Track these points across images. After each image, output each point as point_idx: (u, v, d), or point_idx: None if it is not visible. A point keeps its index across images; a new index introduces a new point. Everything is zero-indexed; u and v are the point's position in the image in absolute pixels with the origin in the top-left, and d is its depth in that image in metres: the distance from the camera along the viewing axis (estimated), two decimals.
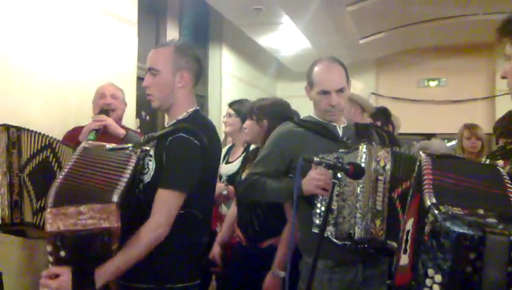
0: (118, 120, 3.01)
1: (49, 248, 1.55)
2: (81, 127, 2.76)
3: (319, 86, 2.11)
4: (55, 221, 1.51)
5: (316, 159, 1.64)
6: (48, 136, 2.03)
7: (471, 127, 3.97)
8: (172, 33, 5.17)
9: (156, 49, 1.92)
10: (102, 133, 2.77)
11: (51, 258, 1.56)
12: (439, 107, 7.75)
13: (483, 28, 6.21)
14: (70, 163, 1.65)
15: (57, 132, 2.82)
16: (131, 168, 1.66)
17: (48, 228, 1.51)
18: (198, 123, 1.85)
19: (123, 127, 3.10)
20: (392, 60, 7.85)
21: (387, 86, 7.96)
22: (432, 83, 8.01)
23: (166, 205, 1.71)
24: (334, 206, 1.91)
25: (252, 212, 2.50)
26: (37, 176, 1.95)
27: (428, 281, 1.08)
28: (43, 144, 2.00)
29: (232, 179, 2.99)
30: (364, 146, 1.92)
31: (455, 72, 7.69)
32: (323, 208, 1.94)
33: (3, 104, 2.68)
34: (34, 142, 1.98)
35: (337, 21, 5.71)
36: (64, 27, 3.28)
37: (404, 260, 1.24)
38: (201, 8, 5.67)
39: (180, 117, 1.88)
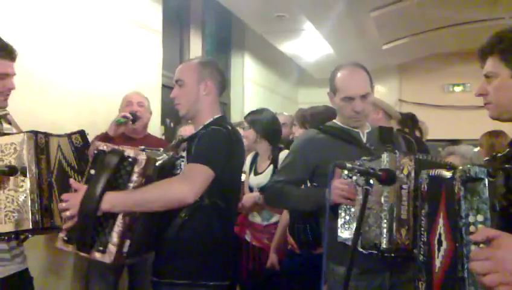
0: (143, 128, 3.06)
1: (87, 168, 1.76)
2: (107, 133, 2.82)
3: (342, 92, 2.07)
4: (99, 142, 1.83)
5: (348, 165, 1.62)
6: (56, 136, 2.06)
7: (496, 134, 3.88)
8: (195, 41, 5.22)
9: (182, 64, 2.10)
10: (123, 139, 2.82)
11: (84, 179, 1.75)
12: (464, 112, 7.63)
13: None
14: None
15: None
16: (165, 157, 1.82)
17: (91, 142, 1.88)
18: (224, 124, 1.95)
19: (148, 134, 3.15)
20: (415, 65, 7.77)
21: (411, 91, 7.87)
22: (457, 88, 7.90)
23: (193, 171, 1.76)
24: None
25: (305, 221, 2.50)
26: (60, 178, 1.98)
27: (472, 228, 1.14)
28: (57, 146, 2.04)
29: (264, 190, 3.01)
30: (387, 154, 1.88)
31: (480, 77, 7.53)
32: (347, 217, 1.92)
33: (35, 113, 2.74)
34: (54, 145, 2.01)
35: (360, 27, 5.69)
36: (91, 37, 3.34)
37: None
38: (223, 16, 5.71)
39: (206, 122, 1.97)
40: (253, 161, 3.13)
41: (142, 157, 1.71)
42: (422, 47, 6.94)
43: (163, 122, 4.39)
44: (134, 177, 1.70)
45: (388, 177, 1.66)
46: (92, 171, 1.73)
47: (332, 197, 1.91)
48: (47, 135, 1.96)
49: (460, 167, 1.20)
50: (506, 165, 1.17)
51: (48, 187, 1.89)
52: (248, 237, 3.05)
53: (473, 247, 1.11)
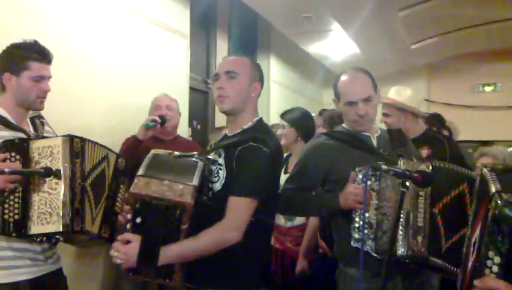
0: (173, 129, 3.09)
1: (129, 215, 1.73)
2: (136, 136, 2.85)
3: (345, 97, 2.09)
4: (139, 186, 1.71)
5: (384, 167, 1.61)
6: (106, 147, 2.09)
7: None
8: (221, 43, 5.25)
9: (233, 57, 1.97)
10: (153, 141, 2.84)
11: (128, 226, 1.72)
12: (495, 113, 7.46)
13: None
14: (145, 162, 1.80)
15: (116, 141, 2.91)
16: (201, 167, 1.76)
17: (132, 189, 1.71)
18: (264, 131, 1.88)
19: (178, 136, 3.18)
20: (444, 65, 7.63)
21: (440, 92, 7.74)
22: (487, 88, 7.72)
23: (239, 211, 1.72)
24: (373, 220, 1.89)
25: None
26: (97, 187, 2.00)
27: (488, 262, 1.17)
28: (103, 155, 2.06)
29: None
30: (403, 161, 1.87)
31: (511, 76, 7.38)
32: (361, 222, 1.91)
33: (65, 117, 2.78)
34: (96, 153, 2.03)
35: (388, 27, 5.62)
36: (120, 41, 3.39)
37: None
38: (249, 17, 5.72)
39: (245, 126, 1.88)
40: (285, 161, 3.11)
41: (189, 203, 1.67)
42: (451, 46, 6.81)
43: (190, 124, 4.42)
44: (184, 221, 1.70)
45: (424, 179, 1.64)
46: (138, 220, 1.70)
47: (346, 201, 1.92)
48: (84, 140, 1.98)
49: (498, 198, 1.19)
50: None
51: (81, 191, 1.91)
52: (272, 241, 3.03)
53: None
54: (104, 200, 2.02)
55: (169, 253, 1.66)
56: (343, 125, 2.20)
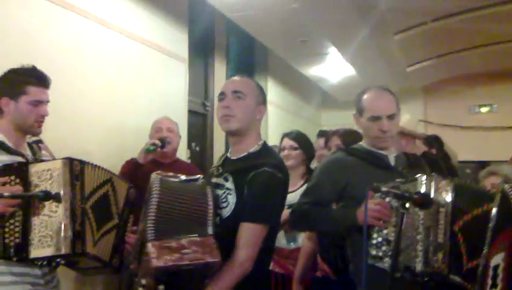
0: (173, 152, 3.10)
1: (144, 281, 1.55)
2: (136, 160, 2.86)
3: (369, 111, 2.06)
4: (161, 255, 1.50)
5: (383, 188, 1.61)
6: (108, 171, 2.10)
7: None
8: (219, 66, 5.30)
9: (240, 78, 1.92)
10: (153, 164, 2.85)
11: None
12: (491, 133, 7.51)
13: None
14: (155, 195, 1.65)
15: (115, 165, 2.89)
16: (211, 200, 1.67)
17: (155, 262, 1.49)
18: (275, 156, 1.85)
19: (177, 159, 3.19)
20: (440, 86, 7.71)
21: (436, 113, 7.80)
22: (484, 109, 7.79)
23: (253, 238, 1.69)
24: (391, 237, 1.85)
25: (343, 248, 2.46)
26: (98, 209, 2.00)
27: None
28: (104, 179, 2.06)
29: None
30: (425, 176, 1.84)
31: (507, 97, 7.45)
32: (379, 239, 1.88)
33: (64, 141, 2.80)
34: (97, 176, 2.04)
35: (384, 49, 5.70)
36: (119, 65, 3.43)
37: None
38: (247, 41, 5.79)
39: (251, 150, 1.83)
40: None
41: (219, 260, 1.57)
42: (447, 68, 6.89)
43: (188, 147, 4.44)
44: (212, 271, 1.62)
45: (424, 201, 1.65)
46: (161, 288, 1.55)
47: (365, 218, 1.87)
48: (83, 163, 1.99)
49: None
50: None
51: (81, 214, 1.91)
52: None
53: None
54: (112, 226, 2.02)
55: None
56: (361, 143, 2.19)
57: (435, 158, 3.18)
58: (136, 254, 1.71)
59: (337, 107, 8.08)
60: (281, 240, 2.92)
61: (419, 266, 1.78)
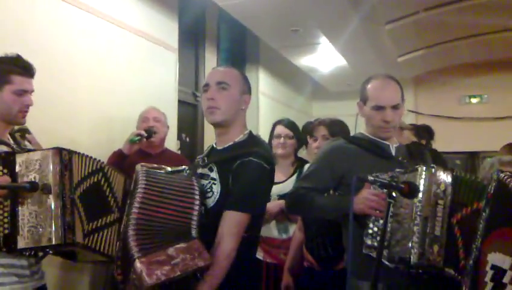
0: (160, 142, 3.08)
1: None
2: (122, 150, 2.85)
3: (373, 100, 2.05)
4: (152, 272, 1.46)
5: (370, 178, 1.61)
6: (99, 160, 2.09)
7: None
8: (210, 56, 5.27)
9: (223, 68, 1.93)
10: (140, 155, 2.83)
11: None
12: (481, 124, 7.55)
13: None
14: (140, 190, 1.65)
15: (103, 155, 2.87)
16: (197, 194, 1.67)
17: (148, 280, 1.45)
18: (260, 145, 1.85)
19: (165, 149, 3.17)
20: (431, 77, 7.73)
21: (427, 103, 7.83)
22: (474, 100, 7.83)
23: (236, 227, 1.69)
24: (388, 227, 1.83)
25: (324, 236, 2.46)
26: (88, 198, 1.99)
27: None
28: (94, 168, 2.05)
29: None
30: (424, 167, 1.83)
31: (497, 88, 7.49)
32: (375, 229, 1.87)
33: (52, 130, 2.77)
34: (85, 165, 2.03)
35: (375, 40, 5.69)
36: (108, 54, 3.39)
37: None
38: (238, 30, 5.76)
39: (237, 139, 1.84)
40: None
41: (210, 259, 1.58)
42: (437, 59, 6.90)
43: (178, 137, 4.41)
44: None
45: (411, 190, 1.64)
46: None
47: (361, 206, 1.87)
48: (71, 152, 1.97)
49: None
50: None
51: (71, 204, 1.90)
52: (259, 255, 2.84)
53: None
54: (112, 220, 2.02)
55: None
56: (362, 131, 2.17)
57: (419, 150, 3.18)
58: (120, 252, 1.67)
59: (328, 97, 8.07)
60: (273, 230, 2.92)
61: (414, 258, 1.77)
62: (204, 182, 1.78)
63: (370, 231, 1.89)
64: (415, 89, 7.93)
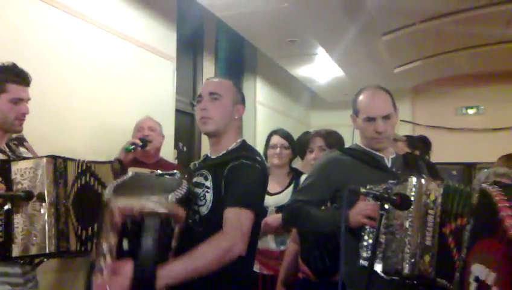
0: (156, 151, 3.07)
1: (113, 240, 1.48)
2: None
3: (364, 112, 2.07)
4: (123, 204, 1.50)
5: (362, 189, 1.61)
6: (83, 161, 2.08)
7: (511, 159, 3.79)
8: (208, 65, 5.30)
9: (216, 79, 1.99)
10: (135, 164, 2.82)
11: (109, 257, 1.47)
12: (478, 135, 7.58)
13: None
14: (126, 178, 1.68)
15: None
16: (185, 186, 1.65)
17: (120, 206, 1.50)
18: (252, 152, 1.86)
19: (160, 159, 3.16)
20: (428, 88, 7.77)
21: (424, 114, 7.86)
22: (471, 111, 7.86)
23: (239, 221, 1.63)
24: (383, 239, 1.85)
25: (322, 248, 2.45)
26: (82, 203, 2.00)
27: None
28: (80, 170, 2.06)
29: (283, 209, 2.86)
30: (414, 178, 1.84)
31: (494, 99, 7.52)
32: (370, 241, 1.87)
33: (49, 139, 2.78)
34: (75, 170, 2.04)
35: (372, 51, 5.73)
36: (106, 64, 3.41)
37: None
38: (236, 40, 5.79)
39: (230, 147, 1.86)
40: None
41: (182, 213, 1.55)
42: (434, 70, 6.94)
43: (175, 146, 4.42)
44: (176, 234, 1.55)
45: (402, 202, 1.64)
46: (125, 245, 1.49)
47: (356, 218, 1.88)
48: (65, 160, 1.98)
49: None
50: None
51: (65, 212, 1.91)
52: (255, 267, 2.79)
53: None
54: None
55: (169, 274, 1.46)
56: (357, 143, 2.19)
57: (428, 161, 3.18)
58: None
59: (326, 107, 8.10)
60: (270, 243, 2.91)
61: (406, 269, 1.77)
62: (198, 190, 1.79)
63: (365, 243, 1.89)
64: (412, 100, 7.96)
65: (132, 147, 2.76)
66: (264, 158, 2.98)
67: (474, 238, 1.24)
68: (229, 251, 1.57)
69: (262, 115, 6.37)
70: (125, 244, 1.49)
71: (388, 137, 2.11)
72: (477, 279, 1.14)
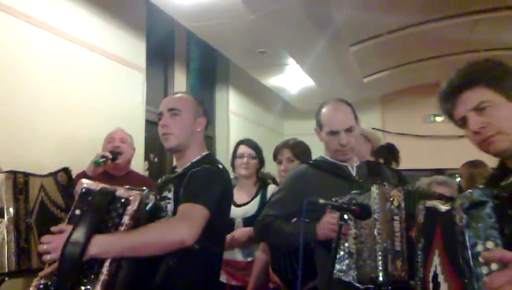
0: (126, 164, 3.04)
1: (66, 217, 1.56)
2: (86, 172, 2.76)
3: (327, 126, 2.13)
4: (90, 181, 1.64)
5: (321, 201, 1.65)
6: (39, 175, 2.05)
7: (476, 165, 3.89)
8: (179, 76, 5.30)
9: (175, 95, 2.00)
10: (104, 177, 2.79)
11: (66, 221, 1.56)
12: (446, 142, 7.75)
13: None
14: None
15: None
16: (153, 201, 1.70)
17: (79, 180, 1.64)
18: (214, 163, 1.88)
19: (130, 171, 3.12)
20: (397, 96, 7.94)
21: (393, 122, 8.02)
22: (439, 119, 8.03)
23: (190, 212, 1.62)
24: (353, 249, 1.89)
25: (292, 258, 2.48)
26: (43, 220, 1.96)
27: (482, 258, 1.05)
28: (39, 186, 2.03)
29: (251, 220, 2.79)
30: (376, 186, 1.89)
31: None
32: (341, 252, 1.91)
33: (15, 152, 2.74)
34: (35, 186, 2.01)
35: (341, 61, 5.83)
36: (74, 75, 3.38)
37: None
38: (208, 51, 5.82)
39: (194, 160, 1.88)
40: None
41: (136, 198, 1.57)
42: (402, 79, 7.11)
43: (146, 158, 4.40)
44: (126, 219, 1.54)
45: (362, 212, 1.68)
46: (77, 212, 1.55)
47: (324, 231, 1.92)
48: (27, 175, 1.95)
49: (460, 196, 1.12)
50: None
51: (26, 228, 1.87)
52: (223, 278, 2.84)
53: (486, 278, 0.99)
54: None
55: (103, 242, 1.47)
56: (323, 155, 2.24)
57: (378, 166, 3.23)
58: None
59: (299, 116, 8.17)
60: (237, 254, 2.91)
61: (381, 276, 1.80)
62: (163, 203, 1.81)
63: (338, 255, 1.92)
64: (382, 108, 8.12)
65: (102, 160, 2.71)
66: (232, 168, 2.99)
67: (427, 254, 1.27)
68: (172, 236, 1.54)
69: (235, 124, 6.40)
70: (78, 211, 1.55)
71: (352, 148, 2.17)
72: (434, 276, 1.19)
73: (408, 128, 7.87)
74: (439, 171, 7.75)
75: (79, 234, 1.45)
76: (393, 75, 6.73)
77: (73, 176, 2.86)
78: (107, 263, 1.48)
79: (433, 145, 7.77)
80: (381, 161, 3.33)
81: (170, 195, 1.81)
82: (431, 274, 1.22)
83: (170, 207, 1.78)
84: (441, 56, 6.41)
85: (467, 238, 1.06)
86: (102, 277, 1.46)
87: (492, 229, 1.04)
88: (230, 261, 2.88)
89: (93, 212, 1.52)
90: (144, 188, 1.84)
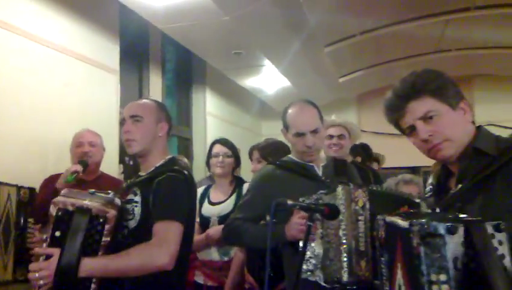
0: (96, 167, 2.95)
1: (45, 235, 1.64)
2: (58, 175, 2.70)
3: (293, 128, 2.15)
4: (63, 200, 1.70)
5: (289, 202, 1.66)
6: (7, 184, 2.02)
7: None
8: (155, 78, 5.27)
9: (137, 102, 2.04)
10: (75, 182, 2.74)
11: (44, 245, 1.65)
12: None
13: (458, 63, 6.43)
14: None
15: (36, 181, 2.79)
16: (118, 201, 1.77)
17: (55, 199, 1.70)
18: (178, 166, 1.92)
19: (101, 174, 3.01)
20: (372, 96, 8.01)
21: (369, 121, 8.09)
22: None
23: (167, 234, 1.71)
24: (320, 249, 1.91)
25: (265, 258, 2.49)
26: (4, 231, 1.94)
27: (435, 288, 1.09)
28: (6, 196, 2.00)
29: (226, 218, 2.71)
30: (341, 187, 1.92)
31: None
32: (308, 253, 1.92)
33: None
34: (3, 195, 1.97)
35: (316, 62, 5.87)
36: (45, 75, 3.34)
37: None
38: (184, 52, 5.80)
39: (157, 164, 1.93)
40: (206, 193, 3.01)
41: (112, 214, 1.68)
42: (377, 79, 7.18)
43: (121, 161, 4.36)
44: (105, 237, 1.66)
45: (331, 212, 1.70)
46: (57, 233, 1.65)
47: (292, 232, 1.94)
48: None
49: (416, 221, 1.13)
50: (465, 218, 1.13)
51: None
52: (199, 279, 2.87)
53: None
54: (12, 241, 1.96)
55: (91, 266, 1.61)
56: (290, 155, 2.26)
57: (362, 167, 3.28)
58: None
59: (276, 116, 8.01)
60: (213, 254, 2.90)
61: (345, 276, 1.84)
62: (129, 206, 1.85)
63: (306, 257, 1.94)
64: (358, 108, 8.19)
65: (74, 176, 2.64)
66: (207, 167, 3.00)
67: (392, 269, 1.28)
68: (153, 262, 1.66)
69: (213, 125, 6.39)
70: (58, 233, 1.65)
71: (318, 149, 2.21)
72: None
73: (384, 128, 7.87)
74: (415, 169, 7.89)
75: (69, 259, 1.58)
76: (368, 75, 6.81)
77: (38, 182, 2.80)
78: (93, 284, 1.64)
79: (409, 144, 7.74)
80: (359, 159, 3.39)
81: (137, 199, 1.85)
82: (396, 288, 1.24)
83: (138, 211, 1.83)
84: (413, 56, 6.51)
85: (423, 264, 1.10)
86: None
87: (445, 262, 1.08)
88: (207, 261, 2.88)
89: (75, 234, 1.62)
90: (109, 191, 1.86)
